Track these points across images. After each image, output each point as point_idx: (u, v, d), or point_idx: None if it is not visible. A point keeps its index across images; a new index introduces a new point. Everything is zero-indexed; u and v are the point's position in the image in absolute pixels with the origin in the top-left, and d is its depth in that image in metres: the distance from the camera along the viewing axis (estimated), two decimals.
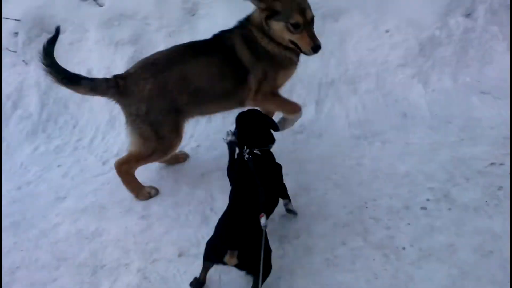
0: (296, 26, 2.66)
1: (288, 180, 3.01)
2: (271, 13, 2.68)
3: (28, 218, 2.88)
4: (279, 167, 2.53)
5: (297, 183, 2.95)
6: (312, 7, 4.07)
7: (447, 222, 2.52)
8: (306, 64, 3.85)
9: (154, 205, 2.88)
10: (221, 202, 2.82)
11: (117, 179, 2.91)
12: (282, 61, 2.85)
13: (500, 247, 2.31)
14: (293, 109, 3.01)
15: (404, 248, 2.36)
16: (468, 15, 4.42)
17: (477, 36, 4.25)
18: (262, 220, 2.06)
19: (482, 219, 2.52)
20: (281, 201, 2.54)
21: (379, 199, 2.75)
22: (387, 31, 3.99)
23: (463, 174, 2.89)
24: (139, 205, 2.89)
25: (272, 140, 2.55)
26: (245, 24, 2.88)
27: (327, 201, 2.78)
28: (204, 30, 3.95)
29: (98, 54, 4.01)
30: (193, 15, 4.10)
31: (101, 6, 4.17)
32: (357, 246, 2.41)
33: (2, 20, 4.09)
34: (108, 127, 3.73)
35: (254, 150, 2.39)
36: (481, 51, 4.20)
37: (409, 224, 2.53)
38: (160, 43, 3.92)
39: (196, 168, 3.23)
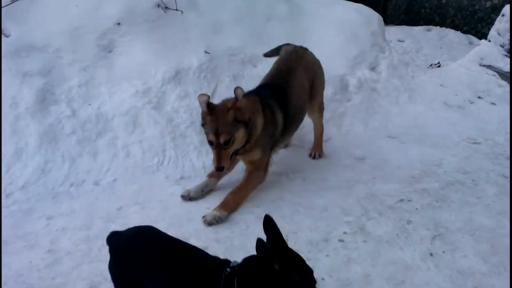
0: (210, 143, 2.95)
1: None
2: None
3: None
4: None
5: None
6: (230, 53, 4.27)
7: (363, 253, 2.61)
8: None
9: (63, 239, 2.64)
10: None
11: (22, 213, 2.62)
12: None
13: (411, 277, 2.44)
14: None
15: (323, 279, 2.39)
16: (372, 68, 4.94)
17: (382, 87, 4.72)
18: None
19: (394, 250, 2.66)
20: None
21: (300, 232, 2.80)
22: None
23: (376, 209, 3.07)
24: (46, 239, 2.63)
25: None
26: None
27: (249, 234, 2.76)
28: (122, 67, 3.90)
29: (2, 84, 3.72)
30: (110, 51, 4.02)
31: (7, 36, 3.90)
32: None
33: None
34: (14, 159, 3.40)
35: None
36: (386, 100, 4.66)
37: (328, 255, 2.59)
38: (74, 76, 3.78)
39: (112, 202, 3.05)
